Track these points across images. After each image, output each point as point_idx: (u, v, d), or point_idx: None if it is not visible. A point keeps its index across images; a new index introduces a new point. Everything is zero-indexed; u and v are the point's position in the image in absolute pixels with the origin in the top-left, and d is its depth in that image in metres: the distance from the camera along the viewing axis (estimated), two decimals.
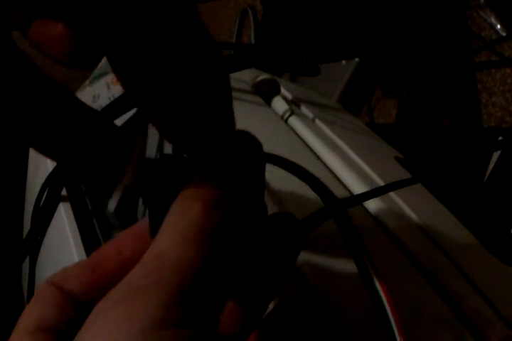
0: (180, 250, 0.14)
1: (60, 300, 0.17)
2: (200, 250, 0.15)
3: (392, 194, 0.35)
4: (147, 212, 0.18)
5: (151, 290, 0.14)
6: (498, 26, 0.74)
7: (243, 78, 0.48)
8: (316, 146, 0.41)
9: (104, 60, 0.15)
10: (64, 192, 0.42)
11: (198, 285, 0.14)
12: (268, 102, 0.47)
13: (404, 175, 0.41)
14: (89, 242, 0.36)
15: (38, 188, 0.43)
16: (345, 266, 0.28)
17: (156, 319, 0.13)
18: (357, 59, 0.82)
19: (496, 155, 0.56)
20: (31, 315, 0.17)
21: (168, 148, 0.18)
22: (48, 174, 0.42)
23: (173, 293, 0.14)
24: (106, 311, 0.14)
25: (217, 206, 0.16)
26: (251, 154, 0.18)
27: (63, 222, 0.40)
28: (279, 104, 0.46)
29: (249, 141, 0.18)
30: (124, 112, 0.41)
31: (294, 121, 0.44)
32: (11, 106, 0.17)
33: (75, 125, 0.19)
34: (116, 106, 0.40)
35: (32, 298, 0.18)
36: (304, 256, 0.28)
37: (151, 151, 0.18)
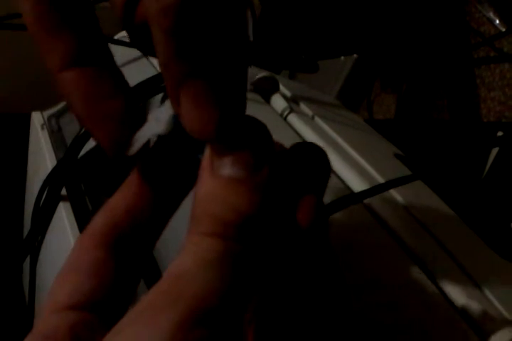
0: (201, 272, 0.15)
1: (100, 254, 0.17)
2: (222, 274, 0.15)
3: (392, 191, 0.35)
4: None
5: (167, 308, 0.14)
6: (497, 21, 0.74)
7: None
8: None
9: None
10: (64, 191, 0.42)
11: (214, 306, 0.14)
12: (267, 100, 0.47)
13: (404, 171, 0.41)
14: None
15: (37, 188, 0.43)
16: None
17: (166, 337, 0.13)
18: (355, 55, 0.82)
19: (495, 150, 0.56)
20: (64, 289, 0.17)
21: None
22: (47, 173, 0.42)
23: (187, 313, 0.14)
24: (121, 330, 0.14)
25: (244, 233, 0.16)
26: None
27: (63, 221, 0.40)
28: (278, 102, 0.46)
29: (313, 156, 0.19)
30: None
31: (293, 118, 0.44)
32: None
33: None
34: None
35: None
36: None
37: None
